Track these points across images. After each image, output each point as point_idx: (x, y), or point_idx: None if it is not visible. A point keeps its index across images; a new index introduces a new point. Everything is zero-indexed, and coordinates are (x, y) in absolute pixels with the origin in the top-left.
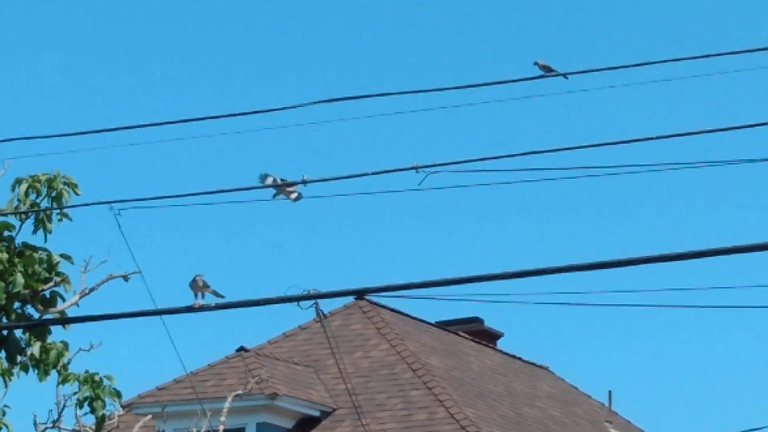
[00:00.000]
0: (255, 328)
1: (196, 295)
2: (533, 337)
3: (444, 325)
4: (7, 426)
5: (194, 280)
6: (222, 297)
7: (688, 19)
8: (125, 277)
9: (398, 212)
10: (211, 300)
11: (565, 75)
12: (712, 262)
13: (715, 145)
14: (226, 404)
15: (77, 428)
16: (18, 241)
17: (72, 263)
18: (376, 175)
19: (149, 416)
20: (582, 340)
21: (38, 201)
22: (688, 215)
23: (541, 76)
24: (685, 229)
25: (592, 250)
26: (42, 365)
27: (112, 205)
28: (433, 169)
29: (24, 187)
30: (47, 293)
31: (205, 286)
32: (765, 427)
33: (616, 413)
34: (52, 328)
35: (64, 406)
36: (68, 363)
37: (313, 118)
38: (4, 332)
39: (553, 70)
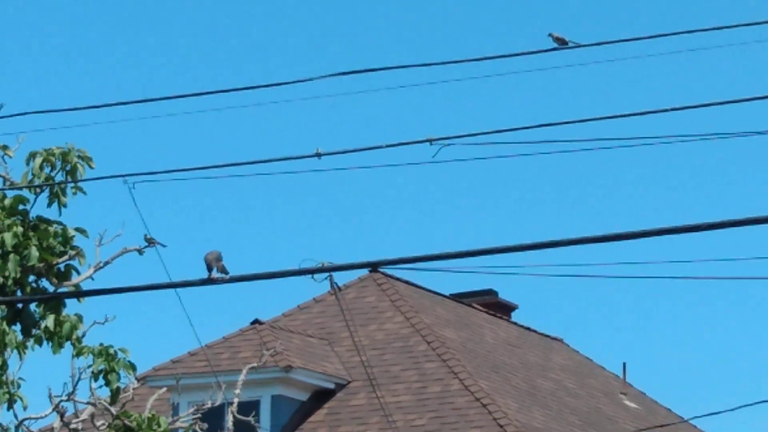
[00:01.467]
0: (269, 300)
1: (209, 269)
2: (547, 309)
3: (458, 298)
4: (21, 399)
5: (207, 255)
6: (227, 273)
7: None
8: (140, 251)
9: (412, 185)
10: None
11: (579, 45)
12: (727, 233)
13: (736, 116)
14: (241, 377)
15: (92, 401)
16: (33, 214)
17: (86, 237)
18: (390, 147)
19: (164, 389)
20: (596, 312)
21: (53, 174)
22: (704, 186)
23: (555, 48)
24: (699, 201)
25: (607, 221)
26: (56, 338)
27: (126, 178)
28: (446, 142)
29: (39, 160)
30: (62, 266)
31: (218, 260)
32: None
33: (631, 385)
34: (67, 301)
35: (79, 379)
36: (83, 336)
37: (327, 91)
38: (19, 305)
39: (567, 42)
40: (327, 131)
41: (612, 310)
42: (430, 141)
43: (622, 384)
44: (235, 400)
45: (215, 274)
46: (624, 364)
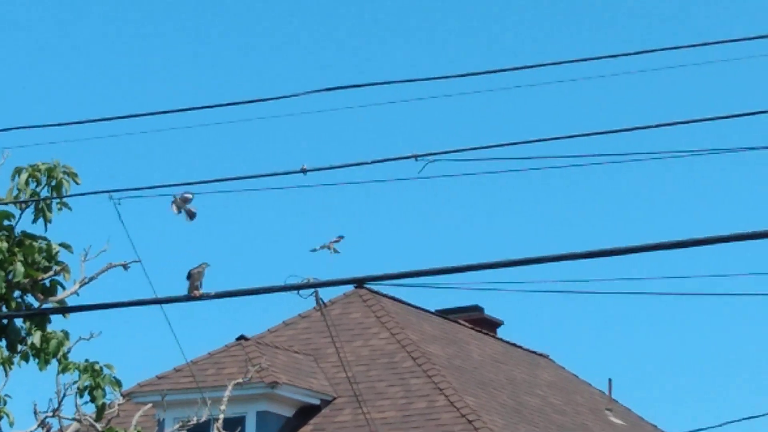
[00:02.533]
0: (255, 316)
1: (193, 286)
2: (533, 326)
3: (444, 314)
4: (7, 414)
5: (191, 272)
6: (209, 295)
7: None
8: (125, 266)
9: (398, 201)
10: (206, 283)
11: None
12: (712, 250)
13: (718, 132)
14: (227, 393)
15: (77, 417)
16: (18, 230)
17: (72, 252)
18: (376, 163)
19: (149, 405)
20: (582, 328)
21: (38, 190)
22: (688, 203)
23: (545, 64)
24: (684, 217)
25: (592, 238)
26: (42, 354)
27: (112, 194)
28: (432, 158)
29: (24, 176)
30: (47, 282)
31: (200, 275)
32: (765, 414)
33: (617, 401)
34: (52, 317)
35: (65, 395)
36: (68, 352)
37: (312, 107)
38: (5, 321)
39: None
40: (313, 147)
41: (598, 326)
42: (415, 157)
43: (608, 400)
44: (221, 416)
45: (197, 291)
46: (610, 380)
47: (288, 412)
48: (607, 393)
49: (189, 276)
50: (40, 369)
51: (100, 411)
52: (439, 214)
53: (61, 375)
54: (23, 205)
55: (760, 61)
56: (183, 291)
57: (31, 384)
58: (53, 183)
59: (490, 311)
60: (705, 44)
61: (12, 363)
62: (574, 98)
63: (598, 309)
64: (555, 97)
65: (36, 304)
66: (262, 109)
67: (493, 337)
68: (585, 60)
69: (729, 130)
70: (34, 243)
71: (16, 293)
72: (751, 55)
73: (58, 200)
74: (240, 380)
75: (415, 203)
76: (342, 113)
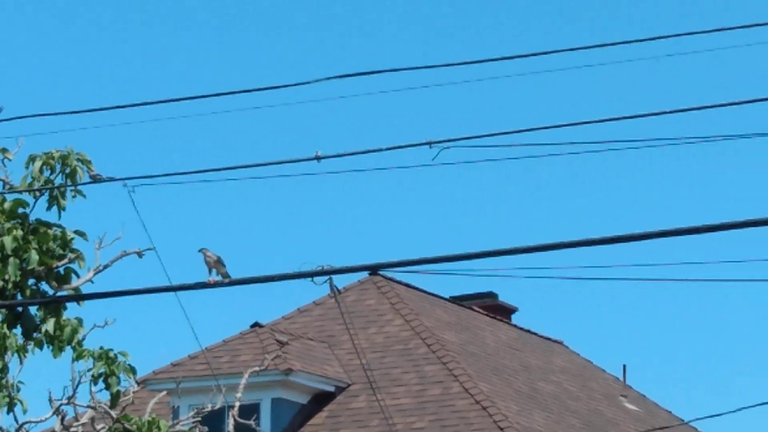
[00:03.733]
0: (269, 303)
1: (210, 271)
2: (548, 312)
3: (458, 300)
4: (21, 402)
5: (207, 253)
6: (229, 277)
7: None
8: (139, 254)
9: (412, 188)
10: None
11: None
12: (727, 235)
13: (734, 118)
14: (242, 381)
15: (92, 404)
16: (32, 217)
17: (86, 240)
18: (390, 150)
19: (164, 392)
20: (596, 314)
21: (52, 178)
22: (704, 189)
23: (556, 51)
24: (700, 204)
25: (607, 224)
26: (57, 341)
27: (126, 181)
28: (446, 145)
29: (38, 164)
30: (61, 270)
31: (219, 263)
32: None
33: (631, 387)
34: (67, 304)
35: (79, 383)
36: (83, 339)
37: (326, 93)
38: (19, 309)
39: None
40: (327, 134)
41: (612, 313)
42: (429, 144)
43: (622, 386)
44: (236, 404)
45: (214, 277)
46: (624, 367)
47: (303, 399)
48: (621, 379)
49: (207, 262)
50: (54, 356)
51: (115, 398)
52: (454, 201)
53: (75, 362)
54: (37, 193)
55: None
56: (198, 278)
57: (45, 372)
58: (67, 170)
59: (504, 298)
60: (715, 30)
61: (26, 350)
62: (589, 84)
63: (613, 295)
64: (570, 83)
65: (50, 292)
66: (276, 96)
67: (508, 323)
68: (600, 46)
69: (744, 115)
70: (49, 231)
71: (31, 281)
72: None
73: (72, 188)
74: (256, 368)
75: (429, 190)
76: (356, 100)
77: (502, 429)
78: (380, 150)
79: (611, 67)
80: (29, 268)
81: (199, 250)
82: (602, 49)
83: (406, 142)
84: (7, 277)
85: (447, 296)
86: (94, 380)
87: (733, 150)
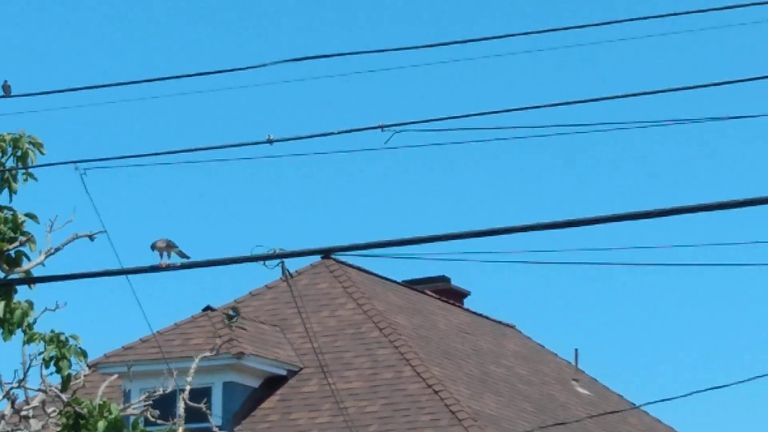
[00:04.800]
0: (221, 287)
1: (161, 256)
2: (500, 296)
3: (411, 284)
4: None
5: (156, 243)
6: (187, 258)
7: None
8: (91, 237)
9: (364, 171)
10: (177, 260)
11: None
12: (676, 220)
13: (692, 99)
14: (193, 365)
15: (43, 388)
16: None
17: (37, 223)
18: (342, 134)
19: (115, 376)
20: (548, 298)
21: (3, 160)
22: (653, 173)
23: (523, 33)
24: (651, 187)
25: (558, 208)
26: (7, 324)
27: (78, 164)
28: (398, 128)
29: None
30: (12, 253)
31: (170, 246)
32: (731, 384)
33: (583, 371)
34: (18, 287)
35: (30, 366)
36: (34, 322)
37: (279, 77)
38: None
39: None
40: (279, 117)
41: (564, 297)
42: (381, 127)
43: (574, 370)
44: (187, 387)
45: (166, 260)
46: (576, 351)
47: (254, 383)
48: (573, 363)
49: (157, 248)
50: (5, 339)
51: (66, 382)
52: (406, 185)
53: (26, 346)
54: None
55: None
56: (149, 261)
57: None
58: (19, 153)
59: (456, 282)
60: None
61: None
62: (539, 69)
63: (565, 280)
64: (519, 67)
65: (1, 275)
66: (229, 79)
67: (460, 307)
68: (553, 30)
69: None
70: (0, 213)
71: None
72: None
73: (23, 170)
74: (207, 353)
75: (381, 174)
76: (308, 83)
77: (453, 413)
78: (332, 133)
79: (564, 51)
80: None
81: (151, 248)
82: (553, 34)
83: (358, 125)
84: None
85: (399, 280)
86: (45, 363)
87: (682, 130)
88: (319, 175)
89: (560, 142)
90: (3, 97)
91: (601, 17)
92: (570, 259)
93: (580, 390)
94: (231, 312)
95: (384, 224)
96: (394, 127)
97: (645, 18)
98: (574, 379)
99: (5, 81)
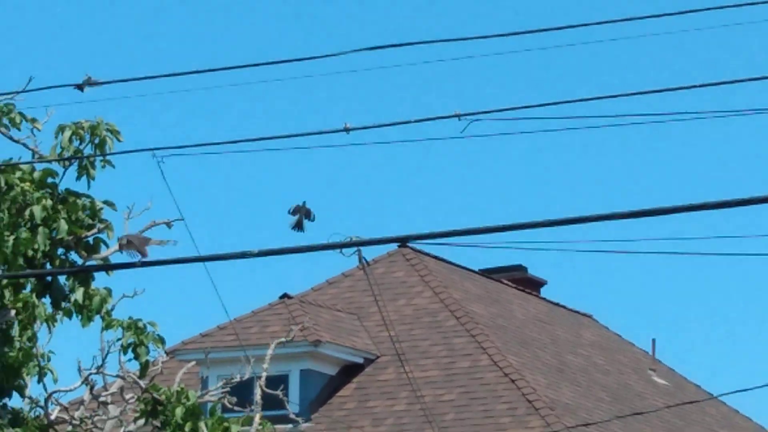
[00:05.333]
0: (299, 275)
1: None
2: (577, 285)
3: (487, 273)
4: (51, 371)
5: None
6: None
7: None
8: (168, 224)
9: (441, 160)
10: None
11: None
12: (760, 209)
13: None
14: (270, 351)
15: (121, 374)
16: (61, 187)
17: (115, 210)
18: (419, 122)
19: (193, 363)
20: (626, 288)
21: (82, 148)
22: (733, 163)
23: (584, 24)
24: (730, 178)
25: (637, 197)
26: (86, 311)
27: (155, 152)
28: (474, 117)
29: (68, 134)
30: (91, 240)
31: (135, 243)
32: None
33: (660, 361)
34: (96, 274)
35: (108, 352)
36: (112, 309)
37: (356, 65)
38: (48, 278)
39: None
40: (356, 106)
41: (642, 286)
42: (458, 116)
43: (651, 360)
44: (264, 374)
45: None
46: (653, 341)
47: (331, 371)
48: (650, 353)
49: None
50: (83, 326)
51: (144, 368)
52: (483, 174)
53: (104, 332)
54: (67, 163)
55: None
56: (228, 248)
57: (75, 341)
58: (96, 140)
59: (533, 271)
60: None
61: (55, 320)
62: (621, 58)
63: (643, 269)
64: (599, 56)
65: (79, 262)
66: (306, 67)
67: (537, 296)
68: (630, 19)
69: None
70: (78, 200)
71: (60, 250)
72: None
73: (101, 158)
74: (283, 339)
75: (458, 162)
76: (385, 72)
77: (530, 402)
78: (409, 122)
79: (643, 41)
80: (58, 237)
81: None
82: (634, 23)
83: (435, 114)
84: (36, 246)
85: (476, 269)
86: (123, 350)
87: (761, 119)
88: (395, 163)
89: (638, 132)
90: (89, 85)
91: (683, 5)
92: (648, 248)
93: (657, 380)
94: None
95: (460, 213)
96: (471, 116)
97: (733, 6)
98: (651, 369)
99: (88, 76)
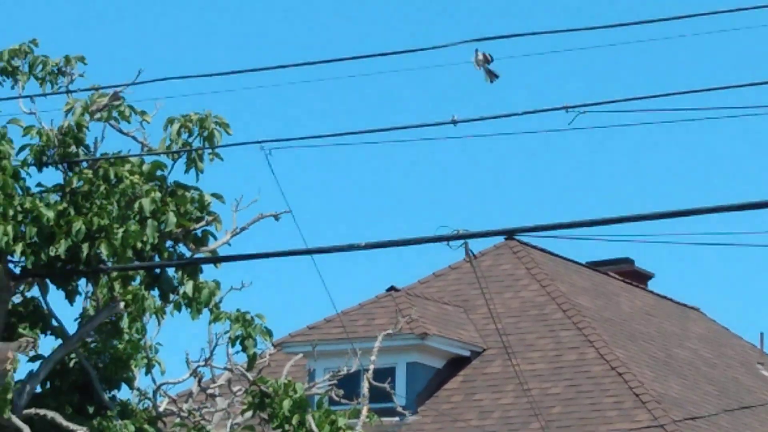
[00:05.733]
0: (405, 267)
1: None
2: (684, 278)
3: (594, 266)
4: (159, 363)
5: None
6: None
7: None
8: (276, 216)
9: (548, 152)
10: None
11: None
12: None
13: None
14: (377, 344)
15: (229, 367)
16: (170, 180)
17: (223, 202)
18: (526, 114)
19: (300, 355)
20: (734, 281)
21: (190, 140)
22: None
23: (690, 15)
24: None
25: (744, 190)
26: (194, 304)
27: (263, 144)
28: (582, 109)
29: (176, 126)
30: (199, 232)
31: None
32: None
33: None
34: (204, 266)
35: (216, 345)
36: (220, 302)
37: (463, 57)
38: (157, 271)
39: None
40: (463, 98)
41: (750, 279)
42: (566, 108)
43: (759, 354)
44: (371, 367)
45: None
46: (761, 335)
47: (438, 364)
48: (758, 347)
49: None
50: (193, 318)
51: (252, 360)
52: (590, 166)
53: (212, 325)
54: (175, 156)
55: None
56: (333, 241)
57: (183, 334)
58: (205, 133)
59: (640, 263)
60: None
61: (164, 312)
62: (728, 49)
63: (751, 262)
64: (708, 48)
65: (188, 254)
66: (413, 60)
67: (644, 289)
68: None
69: None
70: (187, 193)
71: (169, 243)
72: None
73: (209, 150)
74: (390, 331)
75: (565, 154)
76: (493, 64)
77: (637, 395)
78: (517, 114)
79: (749, 32)
80: (167, 230)
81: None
82: (743, 13)
83: (542, 106)
84: (145, 238)
85: (583, 261)
86: (231, 342)
87: None
88: (503, 155)
89: (747, 124)
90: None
91: None
92: (756, 241)
93: (766, 374)
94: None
95: (567, 205)
96: (579, 108)
97: None
98: (759, 363)
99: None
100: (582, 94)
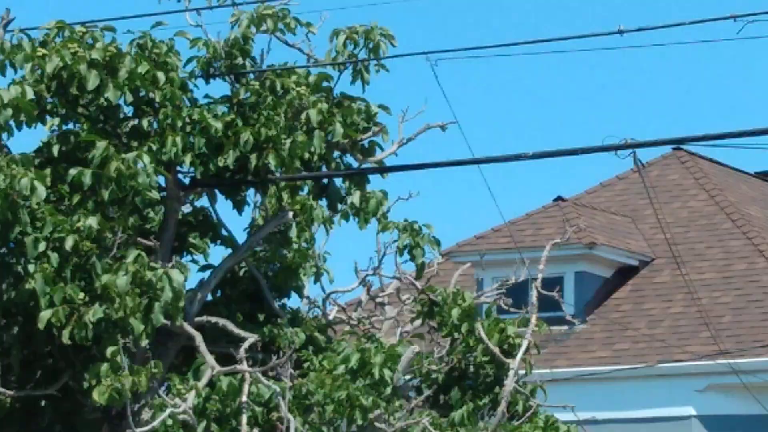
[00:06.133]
0: (572, 177)
1: None
2: None
3: (763, 175)
4: (328, 272)
5: None
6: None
7: None
8: (442, 127)
9: (717, 61)
10: None
11: None
12: None
13: None
14: (545, 253)
15: (397, 275)
16: (336, 91)
17: (389, 113)
18: (694, 24)
19: (468, 265)
20: None
21: (356, 52)
22: None
23: None
24: None
25: None
26: (362, 213)
27: (428, 55)
28: (750, 18)
29: (342, 38)
30: (366, 143)
31: None
32: None
33: None
34: (371, 177)
35: (384, 254)
36: (387, 212)
37: None
38: (325, 181)
39: None
40: (629, 8)
41: None
42: (734, 17)
43: None
44: (539, 276)
45: None
46: None
47: (606, 273)
48: None
49: None
50: (360, 228)
51: (420, 269)
52: (760, 75)
53: (380, 234)
54: (341, 67)
55: None
56: (500, 151)
57: (350, 243)
58: (370, 45)
59: None
60: None
61: (332, 222)
62: None
63: None
64: None
65: (355, 164)
66: None
67: None
68: None
69: None
70: (353, 104)
71: (336, 153)
72: None
73: (375, 62)
74: (557, 240)
75: (734, 64)
76: None
77: None
78: (684, 24)
79: None
80: (334, 140)
81: None
82: None
83: (710, 15)
84: (312, 149)
85: (752, 171)
86: (399, 252)
87: None
88: (670, 65)
89: None
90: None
91: None
92: None
93: None
94: None
95: (736, 114)
96: (747, 17)
97: None
98: None
99: None
100: (750, 3)
